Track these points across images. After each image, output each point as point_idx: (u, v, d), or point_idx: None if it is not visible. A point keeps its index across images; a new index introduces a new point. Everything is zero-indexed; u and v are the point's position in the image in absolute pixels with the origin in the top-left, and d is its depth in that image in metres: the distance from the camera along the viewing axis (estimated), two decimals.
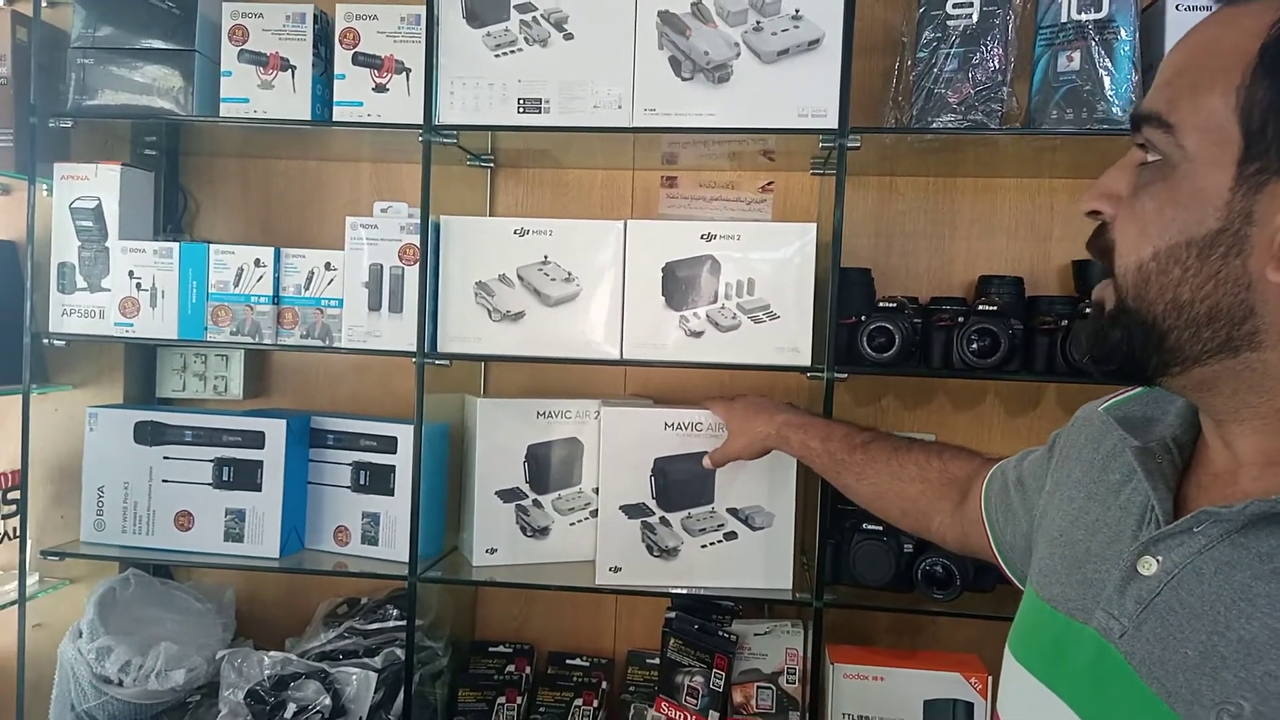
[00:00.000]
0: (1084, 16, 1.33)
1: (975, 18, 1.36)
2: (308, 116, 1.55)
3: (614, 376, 1.78)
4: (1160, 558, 0.62)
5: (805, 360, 1.46)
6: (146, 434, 1.62)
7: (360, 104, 1.54)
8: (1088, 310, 0.69)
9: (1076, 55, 1.34)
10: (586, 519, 1.60)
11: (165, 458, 1.62)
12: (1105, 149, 1.39)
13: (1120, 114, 1.32)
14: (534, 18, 1.45)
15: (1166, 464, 0.67)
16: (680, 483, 1.51)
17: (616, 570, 1.51)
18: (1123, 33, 1.33)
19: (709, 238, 1.48)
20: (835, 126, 1.40)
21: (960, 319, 1.44)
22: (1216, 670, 0.56)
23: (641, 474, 1.50)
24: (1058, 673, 0.68)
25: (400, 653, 1.56)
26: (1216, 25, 0.59)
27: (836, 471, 1.23)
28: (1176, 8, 1.35)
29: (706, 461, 1.48)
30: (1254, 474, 0.62)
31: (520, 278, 1.49)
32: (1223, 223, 0.57)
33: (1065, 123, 1.35)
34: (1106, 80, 1.32)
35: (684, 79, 1.43)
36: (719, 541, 1.51)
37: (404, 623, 1.55)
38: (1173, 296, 0.59)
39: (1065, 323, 1.40)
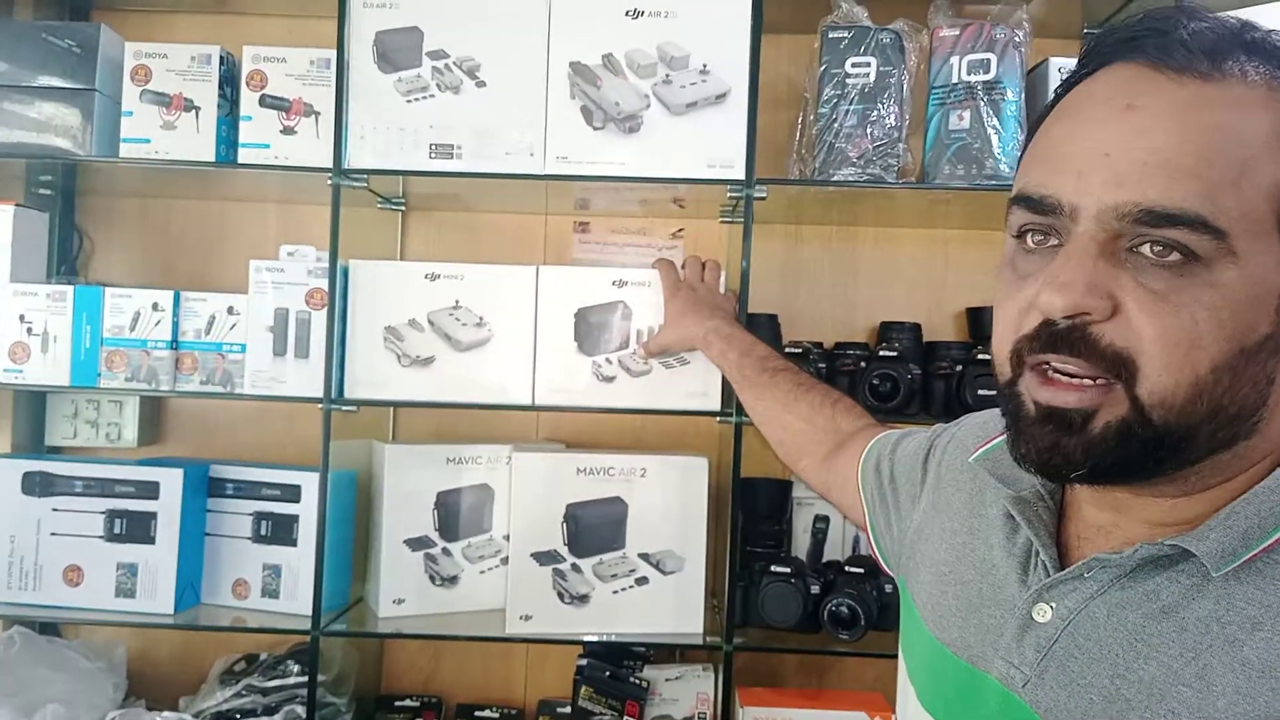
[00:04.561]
0: (973, 78, 1.41)
1: (872, 77, 1.42)
2: (212, 158, 1.52)
3: (526, 421, 1.77)
4: (1054, 604, 0.63)
5: (715, 405, 1.49)
6: (35, 485, 1.54)
7: (267, 146, 1.52)
8: (1053, 415, 0.58)
9: (966, 114, 1.41)
10: (497, 567, 1.58)
11: (54, 509, 1.54)
12: (995, 203, 1.46)
13: (1007, 170, 1.40)
14: (446, 65, 1.46)
15: (1044, 511, 0.68)
16: (592, 528, 1.50)
17: (527, 618, 1.49)
18: (1009, 94, 1.41)
19: (621, 284, 1.50)
20: (742, 177, 1.44)
21: (863, 364, 1.49)
22: (1123, 713, 0.57)
23: (553, 520, 1.50)
24: None
25: (301, 710, 1.51)
26: (1219, 109, 0.55)
27: (740, 386, 1.29)
28: (1059, 70, 1.43)
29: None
30: (1139, 530, 0.63)
31: (431, 322, 1.49)
32: (1272, 327, 0.55)
33: (957, 178, 1.41)
34: (994, 138, 1.40)
35: (595, 128, 1.45)
36: (630, 587, 1.51)
37: (305, 679, 1.50)
38: (1215, 405, 0.55)
39: (960, 367, 1.46)
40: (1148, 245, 0.55)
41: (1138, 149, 0.55)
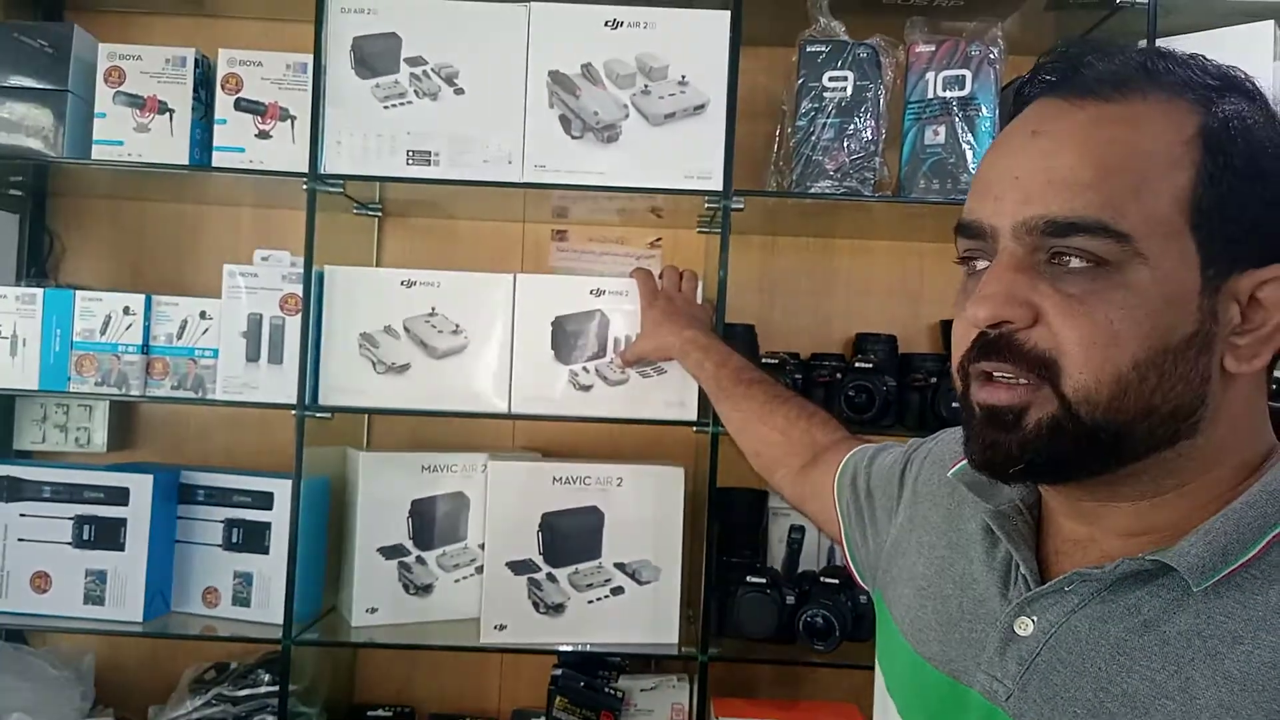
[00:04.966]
0: (949, 94, 1.42)
1: (849, 91, 1.43)
2: (185, 161, 1.51)
3: (502, 430, 1.77)
4: (1036, 618, 0.64)
5: (691, 414, 1.49)
6: (2, 490, 1.52)
7: (242, 149, 1.50)
8: (992, 414, 0.63)
9: (942, 129, 1.42)
10: (472, 576, 1.57)
11: (22, 515, 1.52)
12: None
13: None
14: (424, 71, 1.45)
15: (1023, 525, 0.69)
16: (568, 538, 1.50)
17: (502, 628, 1.49)
18: (984, 110, 1.42)
19: (598, 293, 1.50)
20: (720, 189, 1.44)
21: (838, 375, 1.50)
22: None
23: (529, 529, 1.49)
24: None
25: None
26: (1116, 125, 0.59)
27: (717, 396, 1.30)
28: None
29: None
30: (1115, 542, 0.64)
31: (406, 329, 1.48)
32: (1197, 325, 0.58)
33: (932, 192, 1.43)
34: (969, 153, 1.41)
35: (574, 137, 1.45)
36: (606, 597, 1.51)
37: (276, 688, 1.48)
38: (1146, 403, 0.58)
39: (934, 379, 1.48)
40: (1061, 254, 0.59)
41: (1043, 169, 0.60)
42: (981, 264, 0.64)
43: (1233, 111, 0.59)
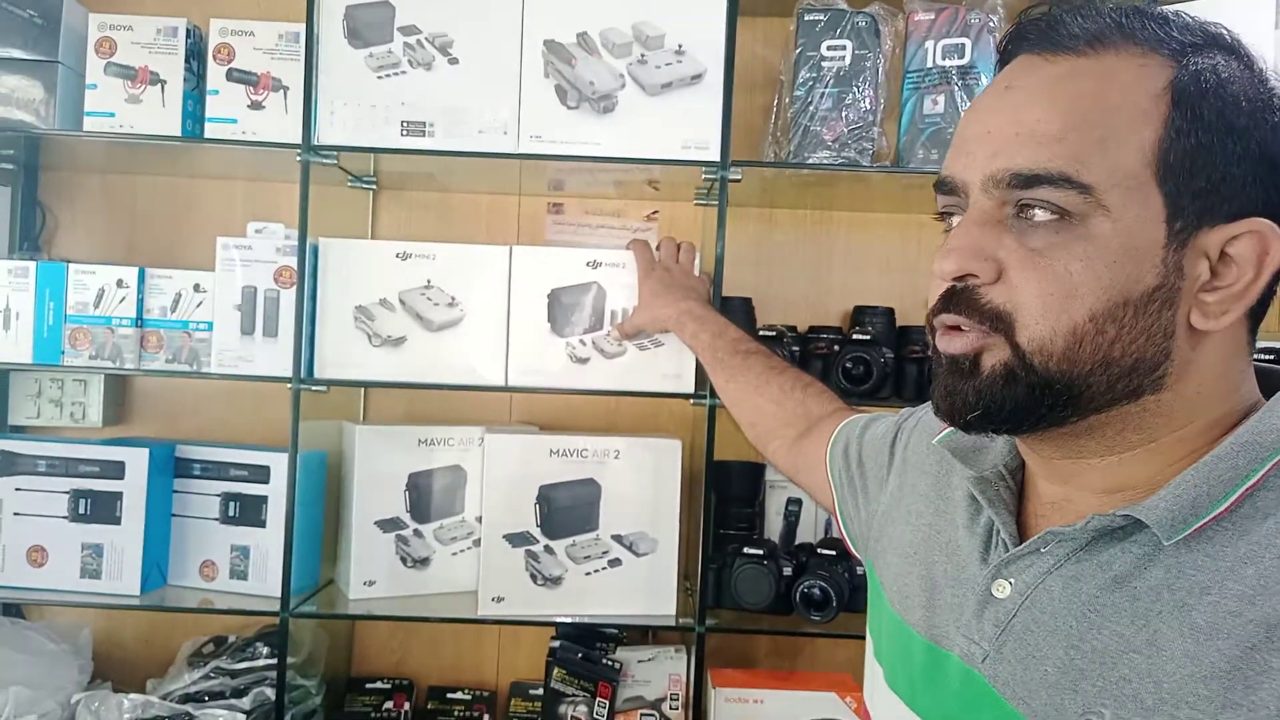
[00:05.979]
0: (948, 63, 1.41)
1: (848, 60, 1.42)
2: (178, 132, 1.49)
3: (499, 403, 1.77)
4: (1012, 580, 0.65)
5: (689, 386, 1.49)
6: None
7: (234, 121, 1.49)
8: (951, 363, 0.64)
9: (941, 99, 1.41)
10: (469, 548, 1.58)
11: (17, 489, 1.52)
12: None
13: None
14: (418, 40, 1.44)
15: (1004, 490, 0.69)
16: (565, 510, 1.50)
17: (499, 600, 1.49)
18: (983, 78, 1.41)
19: (595, 265, 1.49)
20: (717, 159, 1.43)
21: (836, 347, 1.50)
22: (1076, 682, 0.58)
23: (526, 502, 1.49)
24: (928, 701, 0.70)
25: (270, 692, 1.50)
26: (1087, 78, 0.59)
27: (713, 368, 1.30)
28: None
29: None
30: (1091, 501, 0.64)
31: (402, 302, 1.47)
32: (1160, 279, 0.58)
33: (931, 162, 1.42)
34: None
35: (569, 108, 1.44)
36: (603, 569, 1.51)
37: (274, 661, 1.49)
38: (1104, 355, 0.58)
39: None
40: (1027, 207, 0.60)
41: (1012, 122, 0.60)
42: (957, 219, 0.65)
43: (1206, 66, 0.59)
